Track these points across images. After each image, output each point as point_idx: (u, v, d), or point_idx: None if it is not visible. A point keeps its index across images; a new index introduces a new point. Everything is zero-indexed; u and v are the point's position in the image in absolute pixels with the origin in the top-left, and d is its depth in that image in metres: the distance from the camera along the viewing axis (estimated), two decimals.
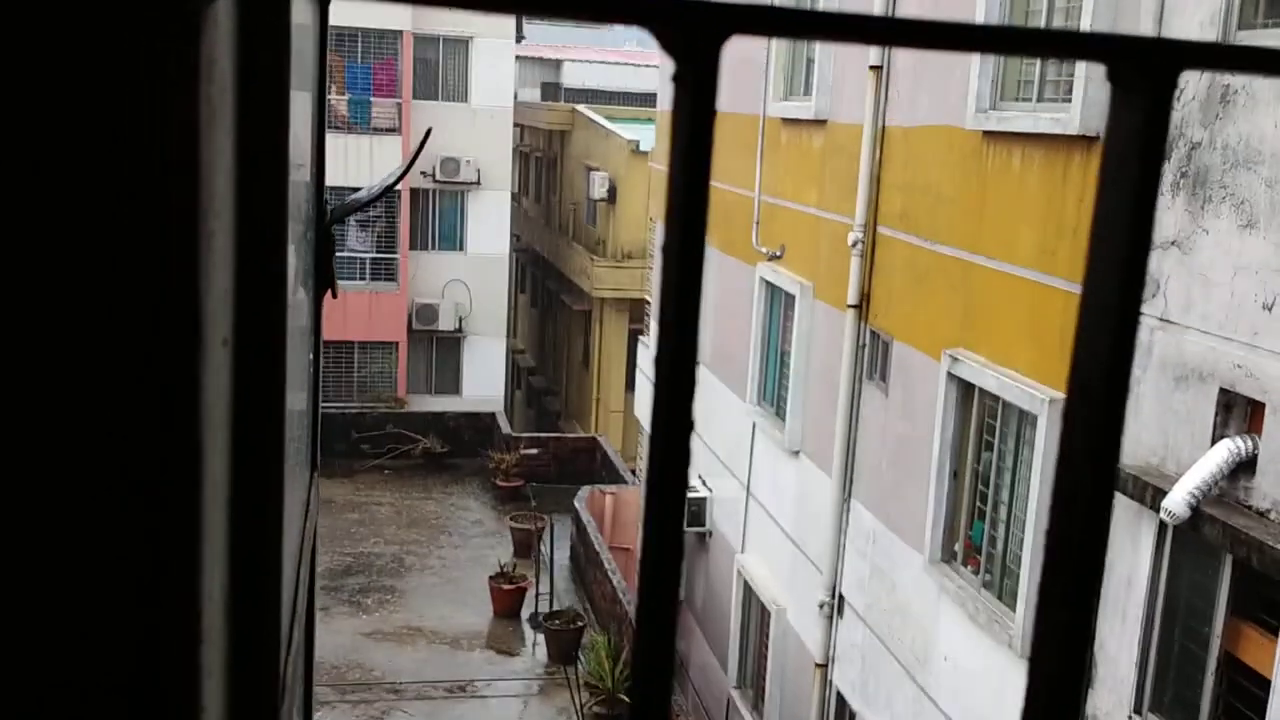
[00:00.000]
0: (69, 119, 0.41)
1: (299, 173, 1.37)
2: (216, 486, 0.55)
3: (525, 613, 17.15)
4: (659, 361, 0.49)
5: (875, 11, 9.75)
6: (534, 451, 22.41)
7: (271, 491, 0.67)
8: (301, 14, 1.23)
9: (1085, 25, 7.05)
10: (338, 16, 23.62)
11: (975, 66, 8.28)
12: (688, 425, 0.49)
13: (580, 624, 16.16)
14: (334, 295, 1.55)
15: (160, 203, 0.43)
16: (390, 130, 24.73)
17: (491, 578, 17.30)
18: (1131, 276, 0.50)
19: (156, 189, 0.42)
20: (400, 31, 24.60)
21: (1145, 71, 0.49)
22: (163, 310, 0.44)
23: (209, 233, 0.48)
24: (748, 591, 12.79)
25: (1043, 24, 7.80)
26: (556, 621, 16.10)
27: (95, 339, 0.42)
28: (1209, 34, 6.09)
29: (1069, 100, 7.35)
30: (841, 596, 10.53)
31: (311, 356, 1.51)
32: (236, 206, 0.60)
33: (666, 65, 0.47)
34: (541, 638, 16.30)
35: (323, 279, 1.47)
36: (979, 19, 8.23)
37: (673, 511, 0.50)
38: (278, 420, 0.68)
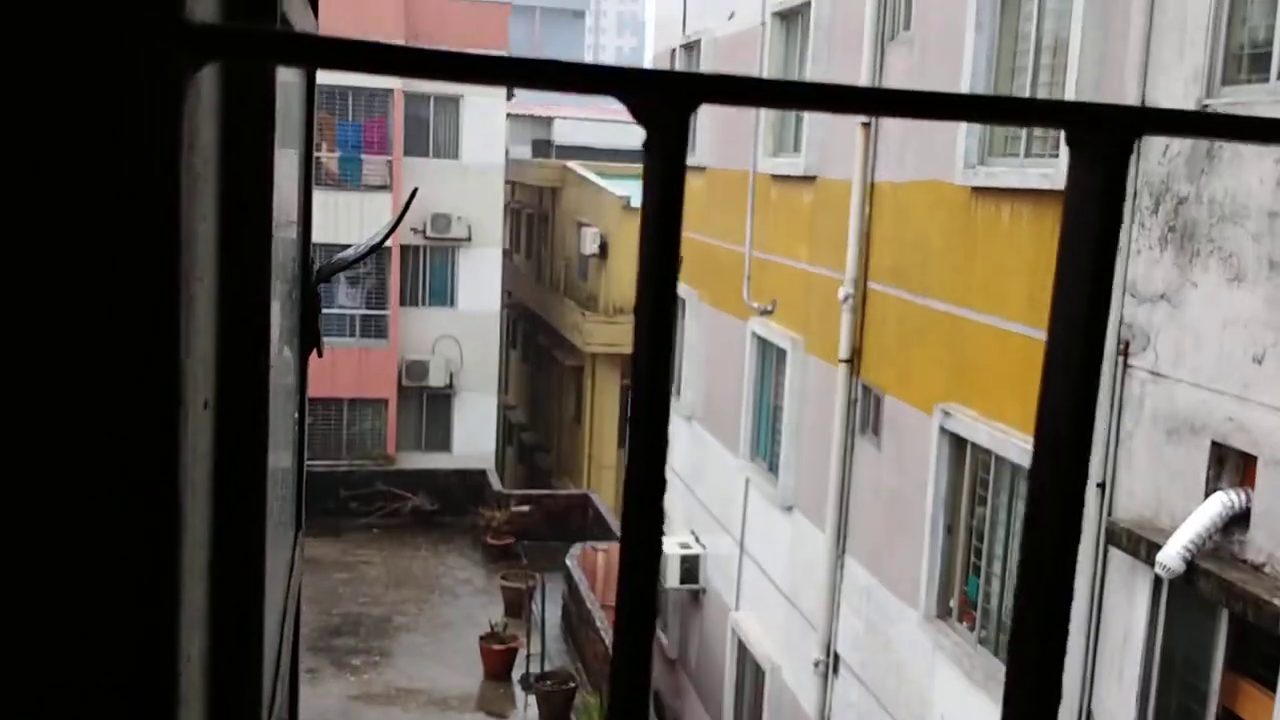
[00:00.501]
0: (49, 186, 0.42)
1: (286, 231, 1.39)
2: (197, 548, 0.56)
3: (516, 674, 16.94)
4: (632, 424, 0.50)
5: (864, 70, 9.90)
6: (525, 508, 22.28)
7: (253, 553, 0.67)
8: (288, 72, 1.25)
9: (1071, 81, 7.16)
10: (328, 75, 23.91)
11: (963, 123, 8.40)
12: (660, 484, 0.50)
13: (572, 685, 15.96)
14: (319, 354, 1.55)
15: (140, 268, 0.44)
16: (381, 187, 24.89)
17: (482, 638, 17.11)
18: (1091, 337, 0.51)
19: (136, 255, 0.43)
20: (391, 90, 24.86)
21: (1102, 137, 0.50)
22: (142, 374, 0.44)
23: (190, 298, 0.48)
24: (742, 650, 12.67)
25: (1028, 81, 7.92)
26: (548, 682, 15.90)
27: (73, 402, 0.43)
28: (1193, 90, 6.18)
29: (1056, 155, 7.45)
30: (837, 654, 10.44)
31: (297, 415, 1.51)
32: (220, 269, 0.61)
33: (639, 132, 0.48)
34: (533, 699, 16.09)
35: (308, 338, 1.47)
36: (965, 76, 8.37)
37: (647, 567, 0.50)
38: (260, 482, 0.69)
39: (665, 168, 0.48)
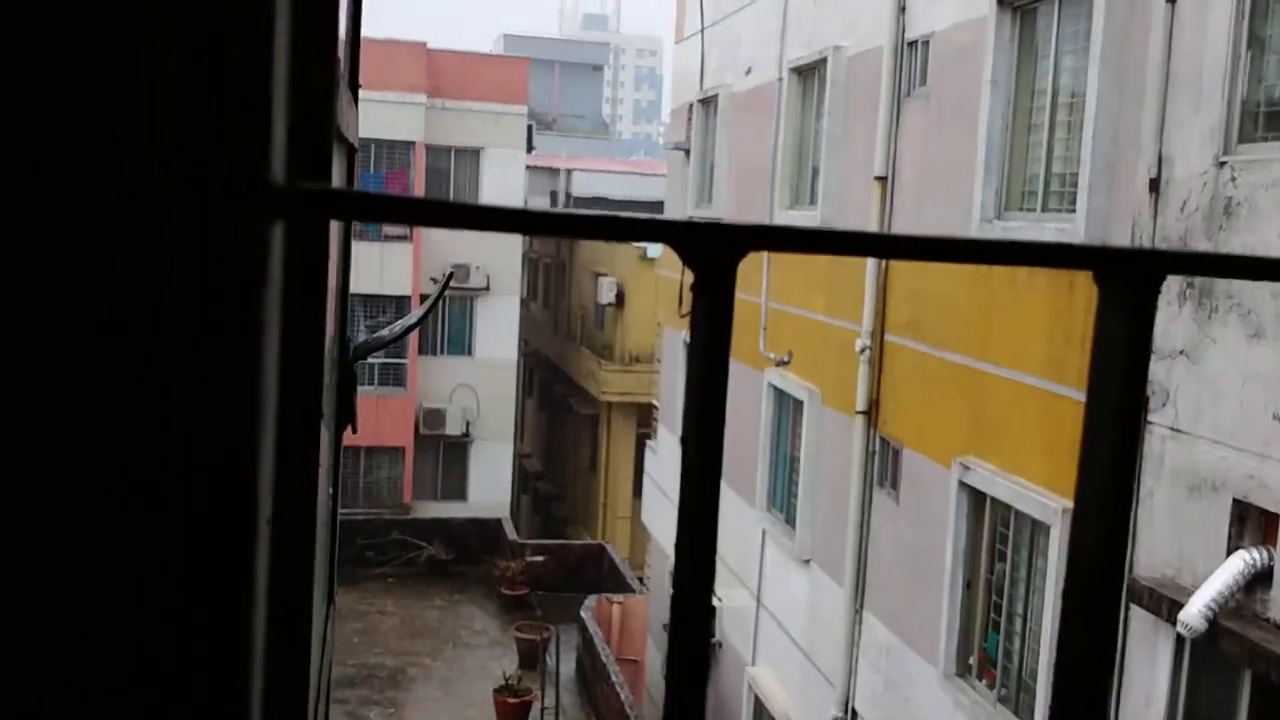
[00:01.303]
0: (158, 342, 0.45)
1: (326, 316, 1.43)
2: (255, 670, 0.58)
3: None
4: (677, 571, 0.52)
5: (880, 126, 9.98)
6: (540, 558, 22.20)
7: (301, 658, 0.69)
8: (339, 171, 1.29)
9: (1087, 137, 7.20)
10: None
11: (979, 176, 8.45)
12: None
13: None
14: (354, 431, 1.58)
15: (227, 396, 0.46)
16: (401, 238, 25.13)
17: (496, 690, 16.98)
18: (1119, 489, 0.53)
19: (223, 385, 0.46)
20: (413, 142, 25.16)
21: (1130, 279, 0.53)
22: (224, 494, 0.47)
23: (264, 423, 0.51)
24: (759, 705, 12.53)
25: (1044, 137, 7.97)
26: None
27: (156, 521, 0.45)
28: (1210, 147, 6.21)
29: (1073, 210, 7.48)
30: (854, 711, 10.32)
31: (331, 490, 1.54)
32: (280, 390, 0.63)
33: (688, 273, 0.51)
34: None
35: (345, 415, 1.50)
36: (981, 132, 8.43)
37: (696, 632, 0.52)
38: (306, 593, 0.71)
39: (713, 310, 0.51)
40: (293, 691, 0.70)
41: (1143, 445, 6.55)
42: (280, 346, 0.60)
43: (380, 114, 24.48)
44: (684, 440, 0.52)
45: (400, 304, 25.30)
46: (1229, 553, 5.82)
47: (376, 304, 25.17)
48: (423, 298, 25.62)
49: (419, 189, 25.29)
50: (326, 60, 0.72)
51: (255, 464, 0.46)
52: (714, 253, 0.49)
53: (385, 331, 2.23)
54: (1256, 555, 5.68)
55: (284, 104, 0.53)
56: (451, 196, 26.08)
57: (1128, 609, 6.56)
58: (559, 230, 0.48)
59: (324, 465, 1.43)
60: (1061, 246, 0.55)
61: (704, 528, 0.49)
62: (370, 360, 25.64)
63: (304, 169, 0.67)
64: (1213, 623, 5.69)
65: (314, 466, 0.71)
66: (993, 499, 8.25)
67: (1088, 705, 0.54)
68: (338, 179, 1.27)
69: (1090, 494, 0.56)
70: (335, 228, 1.43)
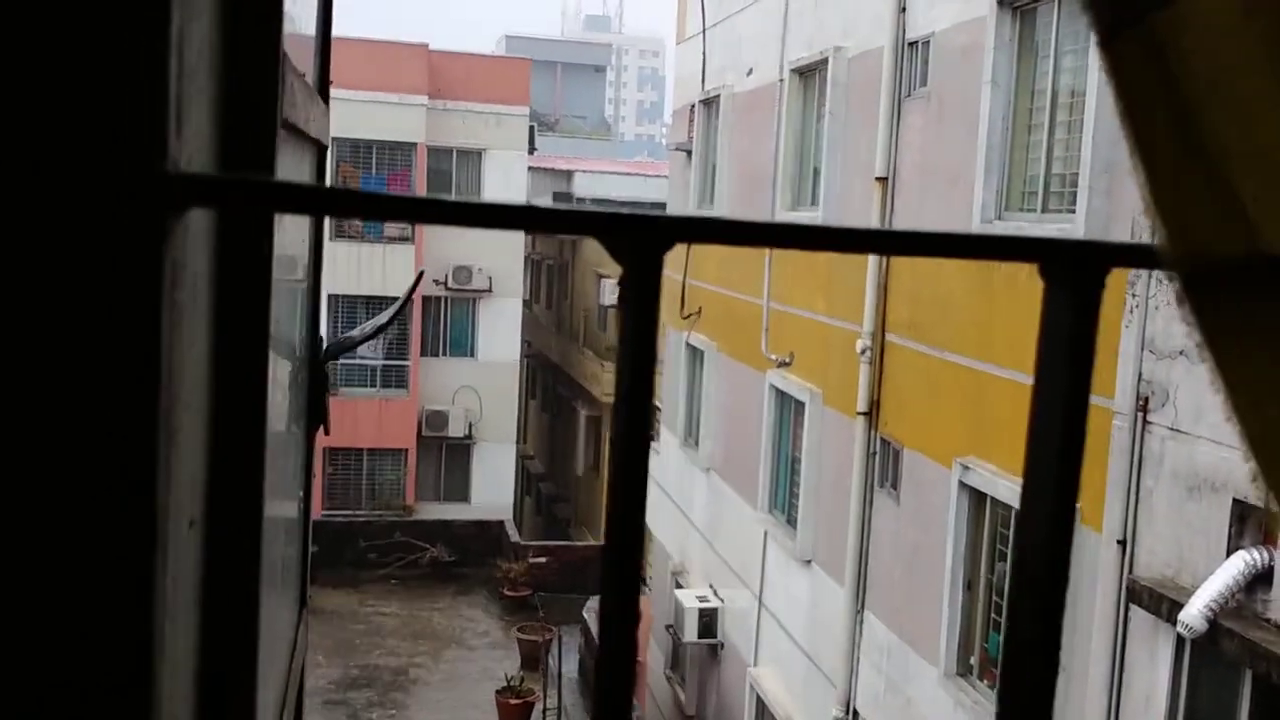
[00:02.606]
0: (36, 326, 0.43)
1: (296, 311, 1.41)
2: (178, 667, 0.56)
3: None
4: (606, 550, 0.51)
5: (881, 126, 9.96)
6: (542, 560, 22.20)
7: (245, 665, 0.68)
8: (296, 170, 1.28)
9: (1088, 136, 7.18)
10: (353, 128, 24.20)
11: (980, 177, 8.43)
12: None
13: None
14: (326, 432, 1.57)
15: (119, 403, 0.45)
16: (403, 239, 25.12)
17: (498, 692, 16.98)
18: (1065, 477, 0.51)
19: (115, 390, 0.44)
20: (414, 144, 25.16)
21: (1075, 271, 0.51)
22: (118, 499, 0.45)
23: (175, 428, 0.49)
24: (760, 706, 12.51)
25: (1045, 136, 7.94)
26: None
27: (49, 522, 0.44)
28: None
29: (1073, 210, 7.46)
30: (856, 711, 10.29)
31: (302, 494, 1.53)
32: (213, 387, 0.62)
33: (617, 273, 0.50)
34: None
35: (315, 416, 1.49)
36: (982, 132, 8.40)
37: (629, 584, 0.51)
38: (253, 597, 0.70)
39: (640, 301, 0.49)
40: (238, 693, 0.68)
41: (1142, 445, 6.53)
42: (215, 342, 0.58)
43: (381, 115, 24.49)
44: (612, 440, 0.51)
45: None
46: (1229, 553, 5.80)
47: (379, 305, 25.15)
48: (425, 299, 25.63)
49: (420, 191, 25.29)
50: (268, 53, 0.71)
51: (152, 463, 0.45)
52: (640, 245, 0.47)
53: (356, 332, 2.23)
54: (1257, 555, 5.65)
55: (207, 94, 0.51)
56: (453, 197, 26.09)
57: (1128, 609, 6.54)
58: (474, 221, 0.47)
59: (295, 466, 1.42)
60: (1007, 238, 0.53)
61: (631, 533, 0.48)
62: (372, 362, 25.66)
63: (243, 161, 0.66)
64: (1213, 623, 5.66)
65: (258, 466, 0.70)
66: (993, 499, 8.23)
67: (1034, 702, 0.53)
68: (298, 176, 1.26)
69: (1037, 488, 0.54)
70: (305, 225, 1.42)
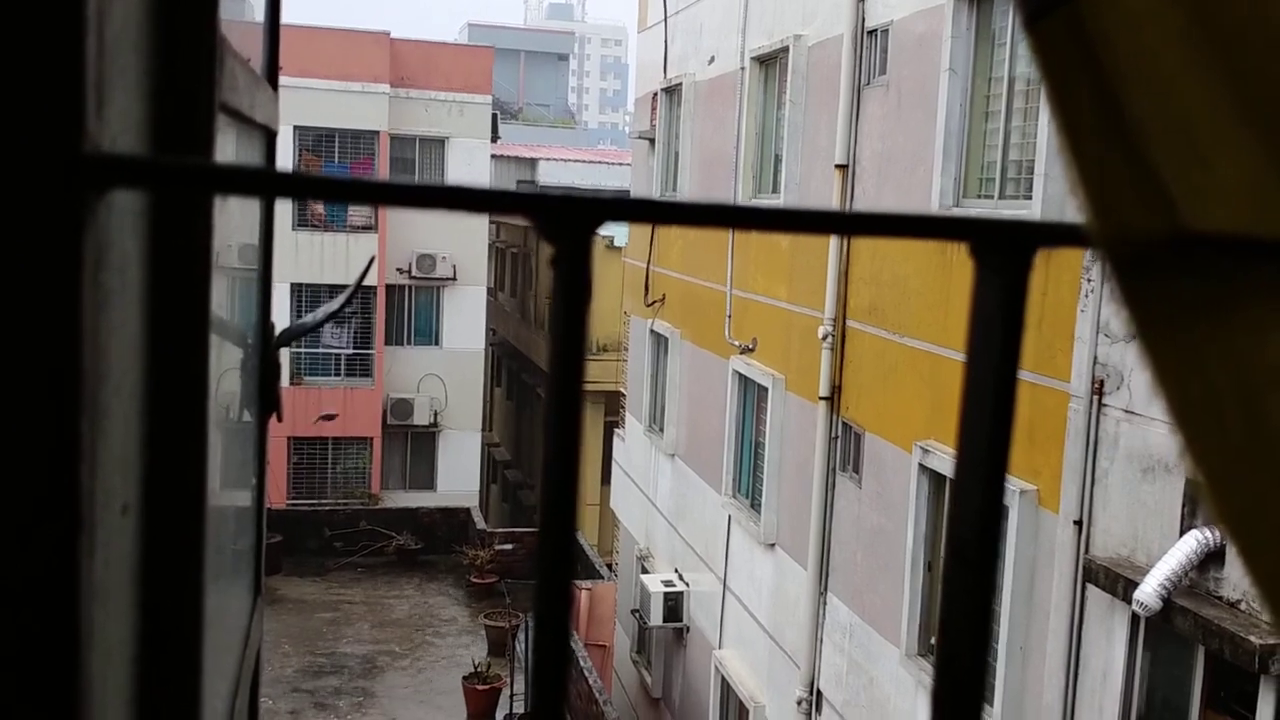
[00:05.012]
0: None
1: (246, 296, 1.40)
2: (112, 654, 0.56)
3: (500, 713, 16.78)
4: (541, 524, 0.51)
5: (841, 114, 10.00)
6: (509, 547, 22.18)
7: (189, 652, 0.67)
8: (245, 157, 1.26)
9: (1043, 123, 7.25)
10: (315, 117, 23.98)
11: (938, 163, 8.48)
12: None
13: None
14: (279, 419, 1.56)
15: (36, 382, 0.44)
16: (366, 228, 24.94)
17: (465, 678, 16.97)
18: (997, 446, 0.52)
19: (31, 371, 0.44)
20: (377, 132, 24.97)
21: (1003, 251, 0.52)
22: (37, 480, 0.45)
23: (102, 407, 0.49)
24: (725, 688, 12.59)
25: (1001, 124, 8.01)
26: None
27: None
28: None
29: (1029, 197, 7.53)
30: (819, 692, 10.39)
31: (255, 480, 1.52)
32: (149, 372, 0.61)
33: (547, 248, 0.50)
34: None
35: (268, 403, 1.48)
36: (940, 119, 8.46)
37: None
38: (195, 583, 0.69)
39: (570, 280, 0.49)
40: (181, 681, 0.68)
41: (1098, 428, 6.61)
42: (150, 326, 0.57)
43: (343, 104, 24.27)
44: (545, 410, 0.51)
45: (366, 294, 25.12)
46: (1182, 532, 5.89)
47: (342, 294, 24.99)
48: (389, 288, 25.47)
49: (383, 178, 25.08)
50: (202, 34, 0.70)
51: (74, 444, 0.44)
52: (569, 224, 0.48)
53: (308, 318, 2.22)
54: (1209, 534, 5.75)
55: (134, 74, 0.50)
56: (385, 178, 25.94)
57: (1084, 588, 6.64)
58: (402, 201, 0.47)
59: (247, 452, 1.41)
60: (938, 219, 0.54)
61: (565, 503, 0.48)
62: (337, 351, 25.47)
63: (178, 145, 0.65)
64: (1167, 601, 5.76)
65: (199, 451, 0.69)
66: (952, 481, 8.29)
67: (966, 683, 0.54)
68: (244, 162, 1.25)
69: (968, 465, 0.55)
70: (254, 210, 1.41)
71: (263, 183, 0.44)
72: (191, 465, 0.65)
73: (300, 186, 0.45)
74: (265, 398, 1.45)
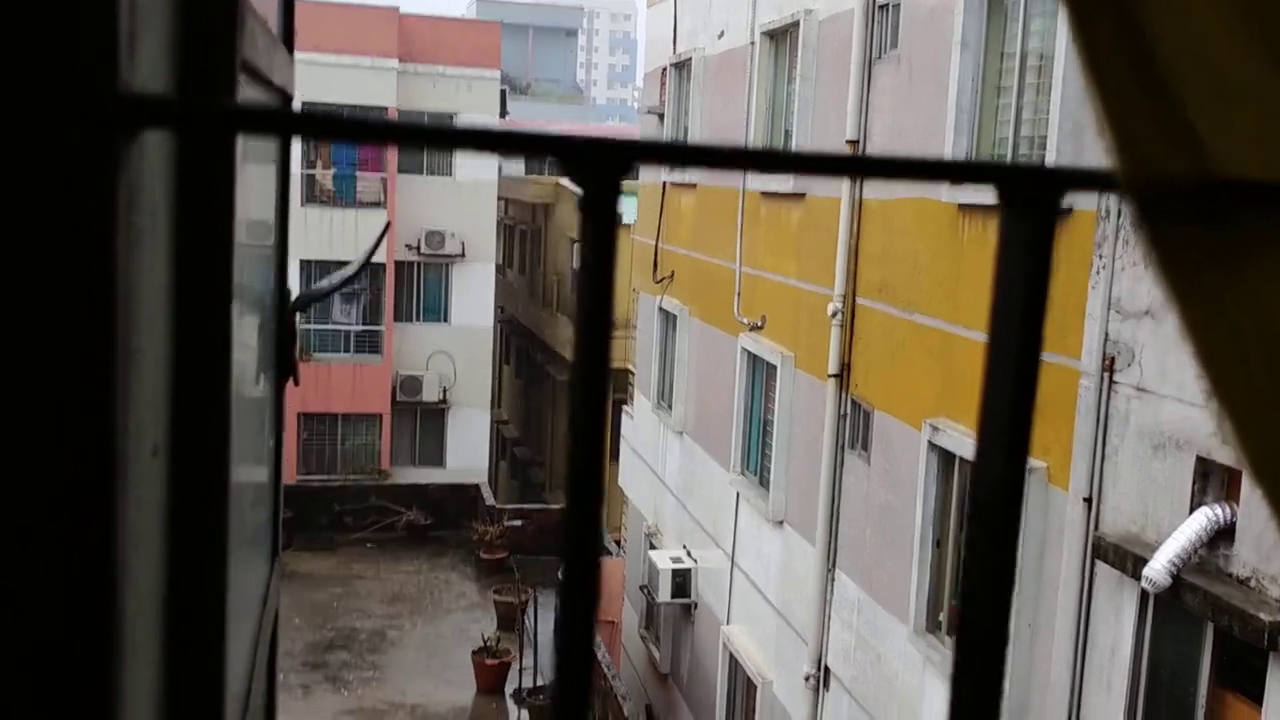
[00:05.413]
0: None
1: (262, 263, 1.40)
2: (144, 599, 0.56)
3: (509, 688, 16.90)
4: (570, 459, 0.51)
5: (852, 88, 9.94)
6: (518, 523, 22.27)
7: (215, 594, 0.68)
8: (262, 99, 1.26)
9: (1055, 98, 7.20)
10: (324, 93, 23.94)
11: (949, 138, 8.44)
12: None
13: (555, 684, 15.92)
14: (295, 383, 1.57)
15: (74, 326, 0.45)
16: (375, 204, 24.93)
17: (475, 652, 17.08)
18: (1020, 405, 0.52)
19: (70, 314, 0.44)
20: (386, 108, 24.91)
21: (1030, 196, 0.52)
22: (74, 418, 0.45)
23: (134, 349, 0.49)
24: (733, 664, 12.65)
25: (1013, 99, 7.96)
26: (541, 697, 15.87)
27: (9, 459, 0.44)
28: None
29: None
30: (827, 668, 10.43)
31: (273, 443, 1.52)
32: (176, 316, 0.62)
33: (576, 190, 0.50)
34: (526, 714, 16.04)
35: (284, 366, 1.48)
36: (951, 94, 8.41)
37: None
38: (220, 525, 0.70)
39: (600, 225, 0.50)
40: (208, 620, 0.69)
41: (1108, 405, 6.60)
42: (177, 270, 0.58)
43: (352, 79, 24.21)
44: (572, 358, 0.52)
45: (375, 270, 25.13)
46: (1192, 509, 5.89)
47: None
48: (398, 265, 25.48)
49: (392, 155, 25.08)
50: None
51: (109, 382, 0.45)
52: (598, 166, 0.48)
53: (324, 282, 2.23)
54: (1220, 511, 5.75)
55: (161, 26, 0.51)
56: (425, 163, 25.91)
57: (1093, 565, 6.64)
58: (429, 143, 0.47)
59: (265, 414, 1.41)
60: (964, 164, 0.54)
61: (594, 446, 0.48)
62: (346, 328, 25.51)
63: (199, 93, 0.65)
64: (1176, 578, 5.77)
65: (224, 395, 0.69)
66: (962, 459, 8.31)
67: (988, 655, 0.54)
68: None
69: (993, 414, 0.55)
70: (270, 174, 1.41)
71: (290, 123, 0.44)
72: (216, 408, 0.66)
73: (326, 127, 0.45)
74: (282, 362, 1.46)
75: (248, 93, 0.96)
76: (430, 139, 0.46)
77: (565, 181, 29.11)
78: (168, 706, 0.64)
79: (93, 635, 0.46)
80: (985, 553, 0.57)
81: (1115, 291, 6.59)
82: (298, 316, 1.66)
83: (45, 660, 0.45)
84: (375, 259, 24.49)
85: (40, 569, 0.45)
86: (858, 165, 0.51)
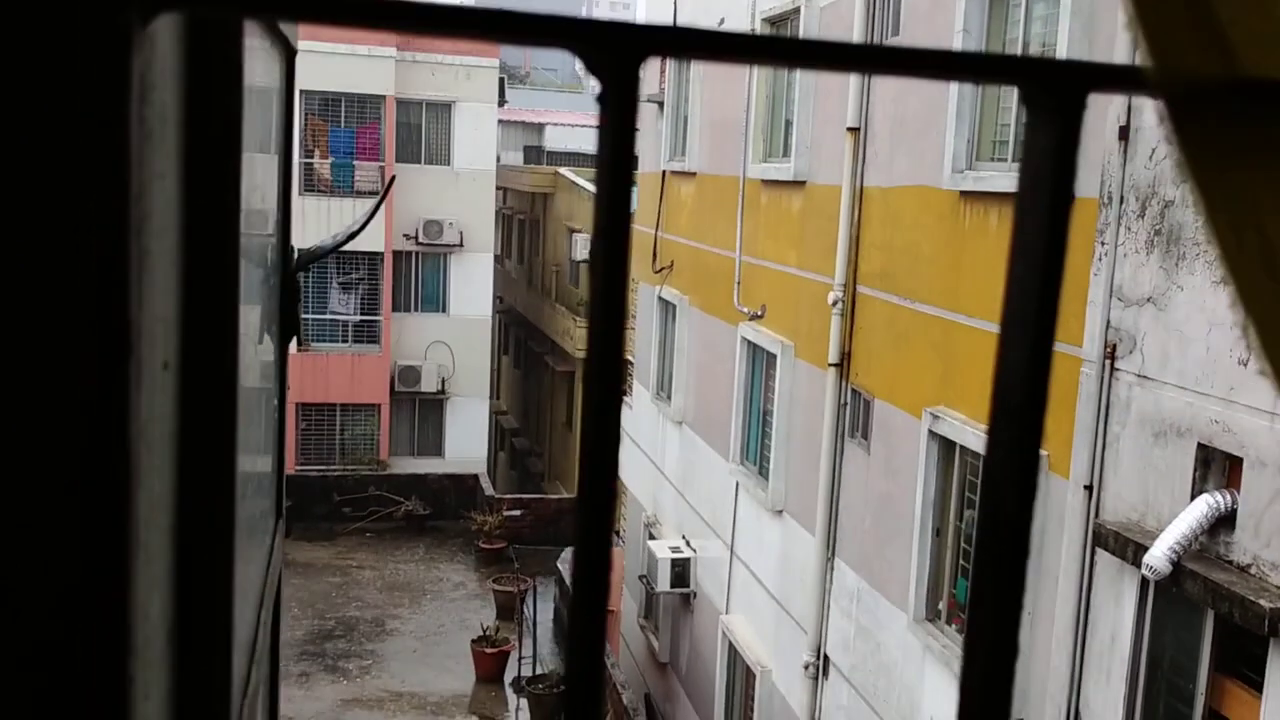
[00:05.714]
0: None
1: (265, 221, 1.39)
2: (156, 508, 0.55)
3: (508, 677, 16.91)
4: (587, 378, 0.50)
5: (853, 75, 9.92)
6: (517, 513, 22.28)
7: (222, 517, 0.67)
8: (266, 73, 1.25)
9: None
10: (322, 81, 23.88)
11: (951, 128, 8.42)
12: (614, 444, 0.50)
13: (564, 687, 15.95)
14: (300, 345, 1.55)
15: (86, 219, 0.44)
16: (373, 193, 24.87)
17: (474, 641, 17.09)
18: (1046, 300, 0.51)
19: (82, 205, 0.43)
20: (383, 96, 24.86)
21: (1055, 92, 0.51)
22: (92, 324, 0.44)
23: (144, 251, 0.48)
24: (732, 653, 12.66)
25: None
26: (540, 685, 15.89)
27: (14, 355, 0.43)
28: None
29: None
30: (826, 657, 10.44)
31: (277, 401, 1.52)
32: (184, 231, 0.61)
33: (594, 86, 0.49)
34: (525, 702, 16.06)
35: (289, 326, 1.48)
36: (951, 99, 8.39)
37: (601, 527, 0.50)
38: (229, 439, 0.69)
39: (617, 117, 0.48)
40: (216, 536, 0.68)
41: (1110, 392, 6.60)
42: (186, 175, 0.57)
43: (350, 67, 24.15)
44: (590, 264, 0.50)
45: (373, 260, 25.12)
46: (1193, 496, 5.89)
47: (349, 261, 24.97)
48: (396, 255, 25.45)
49: (390, 143, 25.04)
50: None
51: (124, 274, 0.44)
52: (616, 54, 0.47)
53: (326, 240, 2.23)
54: (1220, 499, 5.74)
55: None
56: (424, 151, 25.85)
57: (1094, 553, 6.64)
58: (438, 28, 0.45)
59: (269, 367, 1.40)
60: (987, 56, 0.53)
61: (611, 370, 0.47)
62: (344, 318, 25.48)
63: (208, 27, 0.64)
64: (1177, 565, 5.76)
65: (232, 305, 0.68)
66: (962, 447, 8.31)
67: (998, 639, 0.53)
68: (273, 79, 1.24)
69: (1014, 324, 0.54)
70: (276, 118, 1.40)
71: (312, 6, 0.43)
72: (225, 319, 0.65)
73: (348, 10, 0.44)
74: (286, 320, 1.45)
75: (254, 44, 0.95)
76: (442, 23, 0.45)
77: (563, 171, 28.94)
78: (178, 613, 0.64)
79: (110, 530, 0.45)
80: (1007, 442, 0.56)
81: (1117, 278, 6.58)
82: (300, 277, 1.66)
83: (60, 555, 0.45)
84: (372, 248, 24.46)
85: (60, 463, 0.44)
86: (886, 58, 0.50)
